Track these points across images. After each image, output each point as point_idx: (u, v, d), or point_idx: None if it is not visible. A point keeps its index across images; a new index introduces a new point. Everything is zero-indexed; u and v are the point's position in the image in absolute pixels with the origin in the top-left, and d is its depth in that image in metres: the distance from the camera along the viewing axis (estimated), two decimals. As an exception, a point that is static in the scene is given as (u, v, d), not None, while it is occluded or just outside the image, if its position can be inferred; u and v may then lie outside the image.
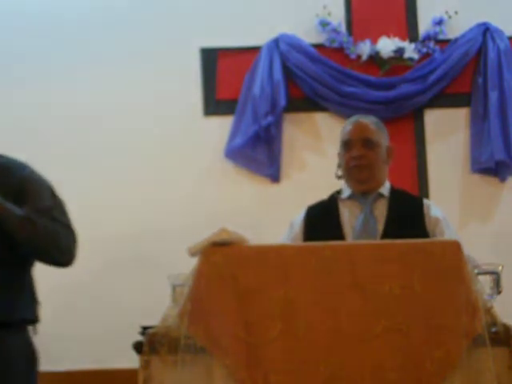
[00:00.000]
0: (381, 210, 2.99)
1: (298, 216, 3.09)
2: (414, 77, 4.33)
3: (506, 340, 2.15)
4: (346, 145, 3.03)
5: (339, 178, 3.09)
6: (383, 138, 3.07)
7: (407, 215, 2.96)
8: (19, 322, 2.73)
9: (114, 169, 4.32)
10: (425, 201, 3.08)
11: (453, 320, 2.12)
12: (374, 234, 2.90)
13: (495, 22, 4.37)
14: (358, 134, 3.02)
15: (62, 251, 2.73)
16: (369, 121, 3.07)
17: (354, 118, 3.11)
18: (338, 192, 3.09)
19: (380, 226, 2.93)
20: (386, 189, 3.05)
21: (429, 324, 2.12)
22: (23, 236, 2.64)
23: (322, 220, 3.01)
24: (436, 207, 3.05)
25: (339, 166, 3.09)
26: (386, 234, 2.87)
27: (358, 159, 2.98)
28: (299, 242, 2.97)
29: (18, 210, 2.64)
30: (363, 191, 3.01)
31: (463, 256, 2.17)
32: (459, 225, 4.23)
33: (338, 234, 2.92)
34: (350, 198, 3.04)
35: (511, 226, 4.27)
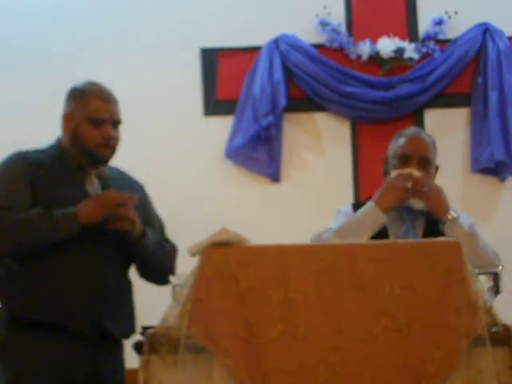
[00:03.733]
0: (419, 223, 2.97)
1: (349, 210, 3.04)
2: (414, 77, 4.34)
3: (506, 340, 2.15)
4: (401, 158, 2.96)
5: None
6: (436, 156, 3.03)
7: (438, 229, 2.92)
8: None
9: (114, 169, 4.32)
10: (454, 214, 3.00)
11: (453, 320, 2.12)
12: None
13: (495, 22, 4.37)
14: (417, 150, 2.96)
15: (171, 273, 2.75)
16: (428, 138, 3.02)
17: (413, 131, 3.05)
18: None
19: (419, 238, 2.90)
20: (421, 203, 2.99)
21: (429, 324, 2.12)
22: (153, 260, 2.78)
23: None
24: (465, 216, 3.00)
25: (386, 173, 3.04)
26: None
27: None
28: (300, 242, 2.95)
29: (152, 235, 2.79)
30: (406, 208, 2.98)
31: (463, 256, 2.18)
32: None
33: None
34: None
35: (511, 226, 4.27)
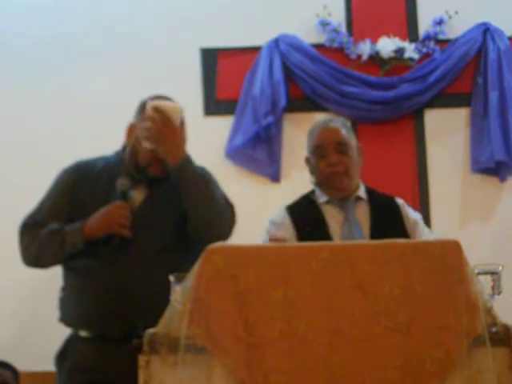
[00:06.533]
0: (362, 214, 2.94)
1: (282, 219, 2.98)
2: (414, 77, 4.34)
3: (506, 340, 2.15)
4: (319, 150, 2.96)
5: (315, 185, 3.01)
6: (353, 138, 3.01)
7: (388, 218, 2.92)
8: None
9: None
10: (398, 201, 3.02)
11: (453, 320, 2.12)
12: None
13: (495, 22, 4.37)
14: (330, 138, 2.95)
15: (225, 221, 2.75)
16: (337, 123, 3.01)
17: (321, 123, 3.05)
18: (312, 192, 3.02)
19: (365, 232, 2.88)
20: (362, 191, 2.99)
21: (429, 324, 2.12)
22: (200, 199, 2.68)
23: (311, 228, 2.91)
24: (408, 207, 3.02)
25: (312, 172, 3.02)
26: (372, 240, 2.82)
27: (334, 166, 2.92)
28: (298, 243, 2.94)
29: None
30: (342, 197, 2.96)
31: (463, 256, 2.18)
32: (459, 225, 4.24)
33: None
34: (328, 202, 2.97)
35: (511, 226, 4.28)
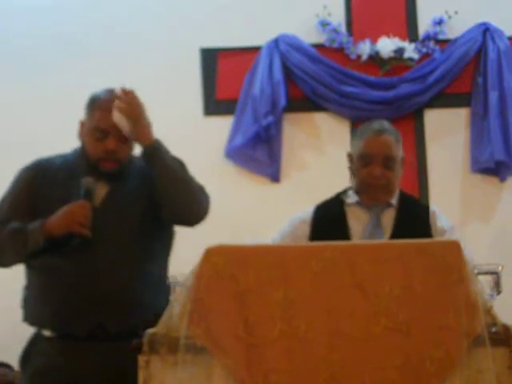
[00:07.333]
0: (388, 220, 2.91)
1: (306, 215, 2.97)
2: (414, 77, 4.34)
3: (506, 340, 2.14)
4: (365, 159, 2.90)
5: (355, 192, 2.97)
6: (400, 150, 2.96)
7: (414, 226, 2.89)
8: None
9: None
10: (431, 210, 2.99)
11: (453, 320, 2.12)
12: None
13: (495, 22, 4.37)
14: (379, 150, 2.88)
15: (197, 202, 2.70)
16: (390, 135, 2.93)
17: (374, 130, 2.94)
18: (345, 191, 3.01)
19: (386, 237, 2.85)
20: (395, 198, 2.96)
21: (429, 324, 2.12)
22: (171, 179, 2.65)
23: (329, 227, 2.91)
24: (442, 216, 2.98)
25: (352, 174, 2.99)
26: None
27: (376, 179, 2.88)
28: (301, 242, 2.94)
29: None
30: (374, 204, 2.93)
31: (463, 256, 2.18)
32: (459, 225, 4.23)
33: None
34: (357, 203, 2.95)
35: (511, 226, 4.28)
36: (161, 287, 2.60)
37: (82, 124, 2.78)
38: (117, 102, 2.67)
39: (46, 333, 2.67)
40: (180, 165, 2.73)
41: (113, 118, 2.66)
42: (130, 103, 2.67)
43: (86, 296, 2.61)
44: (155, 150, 2.68)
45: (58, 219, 2.62)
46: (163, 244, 2.83)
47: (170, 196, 2.68)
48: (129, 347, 2.37)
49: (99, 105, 2.71)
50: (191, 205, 2.71)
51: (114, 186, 2.72)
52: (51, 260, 2.66)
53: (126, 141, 2.71)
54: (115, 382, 2.61)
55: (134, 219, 2.72)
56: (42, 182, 2.73)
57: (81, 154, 2.77)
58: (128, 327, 2.59)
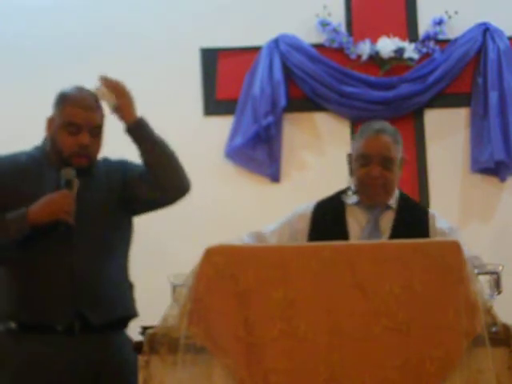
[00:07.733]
0: (387, 222, 2.92)
1: (307, 210, 3.00)
2: (414, 77, 4.34)
3: (506, 340, 2.15)
4: (363, 159, 2.90)
5: (354, 192, 2.99)
6: (400, 151, 2.96)
7: (412, 229, 2.89)
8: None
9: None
10: (430, 213, 2.99)
11: (453, 320, 2.12)
12: None
13: (495, 22, 4.37)
14: (378, 150, 2.89)
15: (183, 175, 2.82)
16: (389, 136, 2.93)
17: (373, 130, 2.94)
18: (345, 191, 3.02)
19: (384, 239, 2.85)
20: (393, 200, 2.96)
21: (429, 324, 2.13)
22: (156, 154, 2.76)
23: (328, 226, 2.92)
24: (442, 218, 2.98)
25: (351, 173, 3.00)
26: None
27: (374, 179, 2.88)
28: (299, 242, 2.94)
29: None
30: (373, 205, 2.94)
31: (463, 256, 2.18)
32: (459, 225, 4.23)
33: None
34: (356, 204, 2.96)
35: (511, 226, 4.28)
36: (127, 281, 2.82)
37: (51, 120, 2.79)
38: (102, 77, 2.80)
39: (21, 327, 2.64)
40: (164, 141, 2.83)
41: (98, 94, 2.77)
42: (115, 80, 2.80)
43: (63, 289, 2.63)
44: (143, 126, 2.78)
45: (43, 207, 2.63)
46: (127, 240, 2.91)
47: (162, 167, 2.77)
48: (109, 340, 2.40)
49: (70, 100, 2.76)
50: (181, 178, 2.82)
51: (84, 181, 2.73)
52: (26, 253, 2.66)
53: (97, 135, 2.76)
54: (96, 375, 2.63)
55: (105, 213, 2.76)
56: (11, 178, 2.73)
57: (51, 149, 2.77)
58: (107, 319, 2.65)
